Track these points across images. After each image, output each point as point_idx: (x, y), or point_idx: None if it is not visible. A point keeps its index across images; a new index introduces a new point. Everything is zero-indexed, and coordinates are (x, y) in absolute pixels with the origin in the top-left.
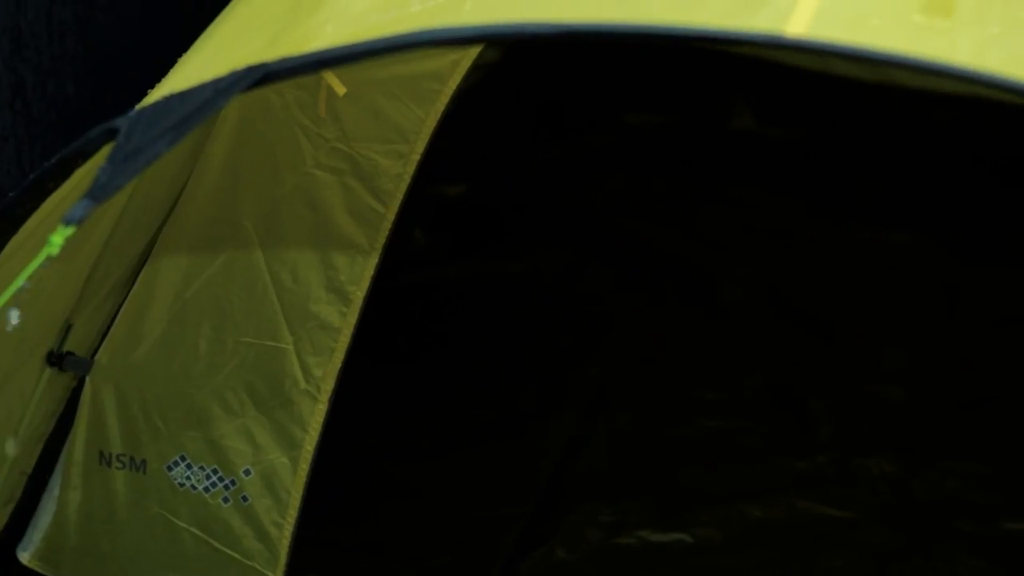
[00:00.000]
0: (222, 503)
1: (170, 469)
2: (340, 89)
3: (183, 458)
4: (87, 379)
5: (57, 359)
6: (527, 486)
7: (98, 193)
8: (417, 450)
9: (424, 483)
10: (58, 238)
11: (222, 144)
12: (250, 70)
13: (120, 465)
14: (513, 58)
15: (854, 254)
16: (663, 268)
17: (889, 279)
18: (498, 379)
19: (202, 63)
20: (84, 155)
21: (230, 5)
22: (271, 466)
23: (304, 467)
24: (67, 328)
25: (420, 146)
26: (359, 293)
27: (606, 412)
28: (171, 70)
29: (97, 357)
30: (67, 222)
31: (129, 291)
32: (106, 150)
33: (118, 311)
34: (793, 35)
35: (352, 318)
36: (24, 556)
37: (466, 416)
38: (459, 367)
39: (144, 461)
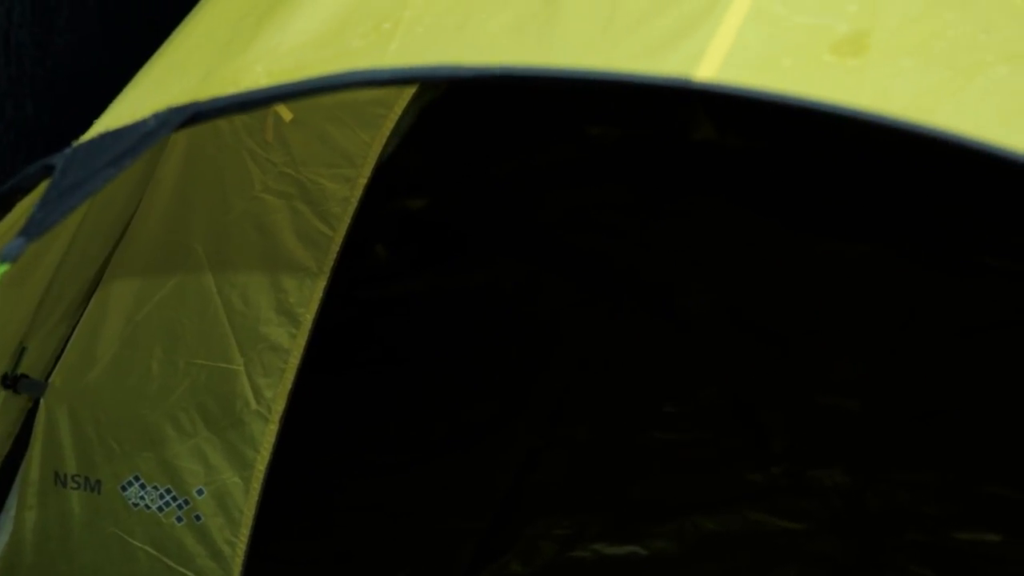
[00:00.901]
0: (176, 522)
1: (124, 489)
2: (287, 115)
3: (137, 478)
4: (41, 401)
5: (11, 382)
6: (484, 499)
7: (33, 230)
8: (374, 464)
9: (381, 497)
10: None
11: (172, 169)
12: (180, 110)
13: (75, 485)
14: None
15: (812, 266)
16: (621, 280)
17: (846, 291)
18: (456, 392)
19: (138, 99)
20: (22, 191)
21: (172, 35)
22: (224, 486)
23: (256, 486)
24: (21, 351)
25: (366, 170)
26: (308, 315)
27: (563, 425)
28: (113, 102)
29: (51, 379)
30: (1, 259)
31: (82, 314)
32: (44, 186)
33: (71, 334)
34: (701, 79)
35: (302, 340)
36: None
37: (423, 430)
38: (417, 381)
39: (99, 481)
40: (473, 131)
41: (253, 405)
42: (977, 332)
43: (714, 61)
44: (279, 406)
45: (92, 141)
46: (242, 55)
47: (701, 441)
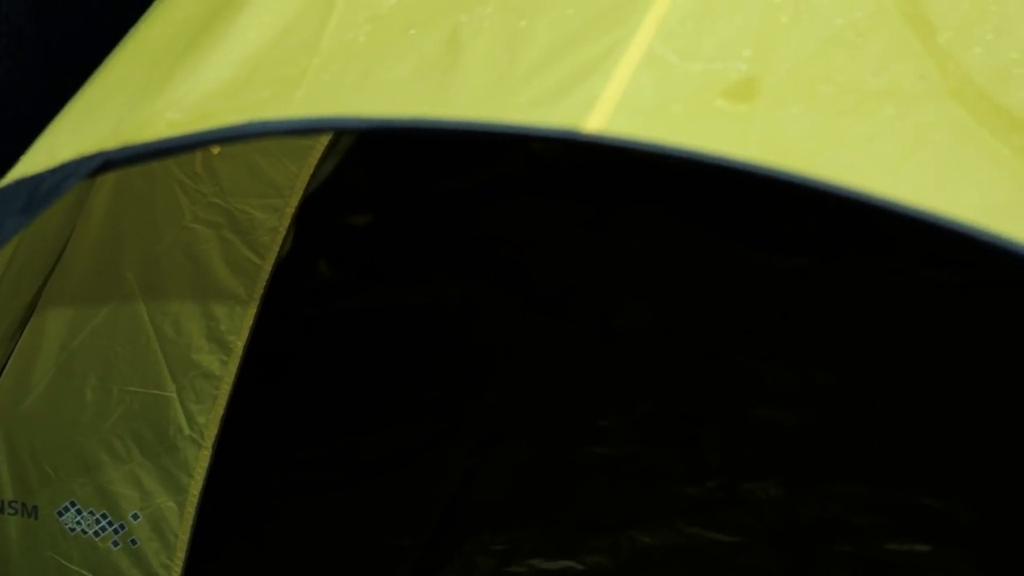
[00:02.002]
0: (112, 547)
1: (61, 515)
2: (215, 147)
3: (73, 504)
4: None
5: None
6: (422, 516)
7: None
8: (311, 482)
9: (318, 515)
10: None
11: (103, 199)
12: (91, 159)
13: (12, 511)
14: None
15: (748, 279)
16: (562, 296)
17: (782, 304)
18: (395, 410)
19: (53, 144)
20: None
21: (91, 77)
22: (159, 510)
23: (190, 510)
24: None
25: (294, 200)
26: (239, 342)
27: (500, 441)
28: (31, 146)
29: None
30: None
31: (16, 343)
32: None
33: (6, 363)
34: (589, 131)
35: (233, 366)
36: None
37: (361, 447)
38: (356, 397)
39: (35, 507)
40: (416, 146)
41: (186, 431)
42: (911, 345)
43: (605, 110)
44: (212, 432)
45: (5, 188)
46: (153, 102)
47: (637, 455)
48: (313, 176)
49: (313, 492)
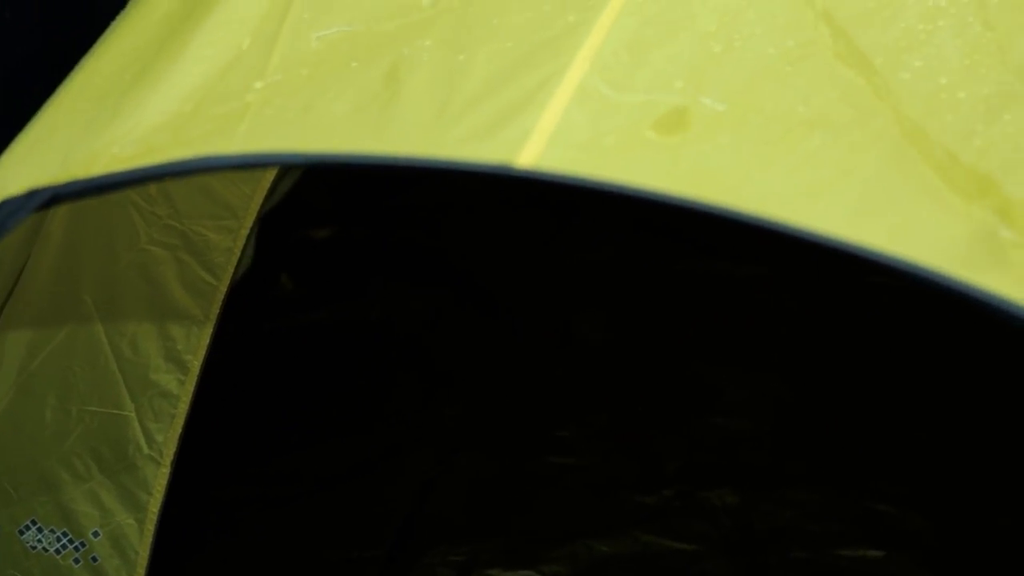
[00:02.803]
0: (73, 564)
1: (22, 533)
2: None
3: (34, 522)
4: None
5: None
6: (381, 528)
7: None
8: (270, 496)
9: (277, 529)
10: None
11: (59, 223)
12: (39, 192)
13: None
14: None
15: (704, 288)
16: (521, 307)
17: (736, 313)
18: (355, 422)
19: (2, 177)
20: None
21: (41, 108)
22: (119, 527)
23: (150, 527)
24: None
25: (248, 221)
26: (196, 362)
27: (459, 452)
28: None
29: None
30: None
31: None
32: None
33: None
34: (521, 166)
35: (190, 385)
36: None
37: (321, 460)
38: (316, 411)
39: None
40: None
41: (145, 450)
42: (864, 353)
43: (537, 145)
44: (170, 450)
45: None
46: (100, 136)
47: (595, 465)
48: (274, 190)
49: (273, 506)
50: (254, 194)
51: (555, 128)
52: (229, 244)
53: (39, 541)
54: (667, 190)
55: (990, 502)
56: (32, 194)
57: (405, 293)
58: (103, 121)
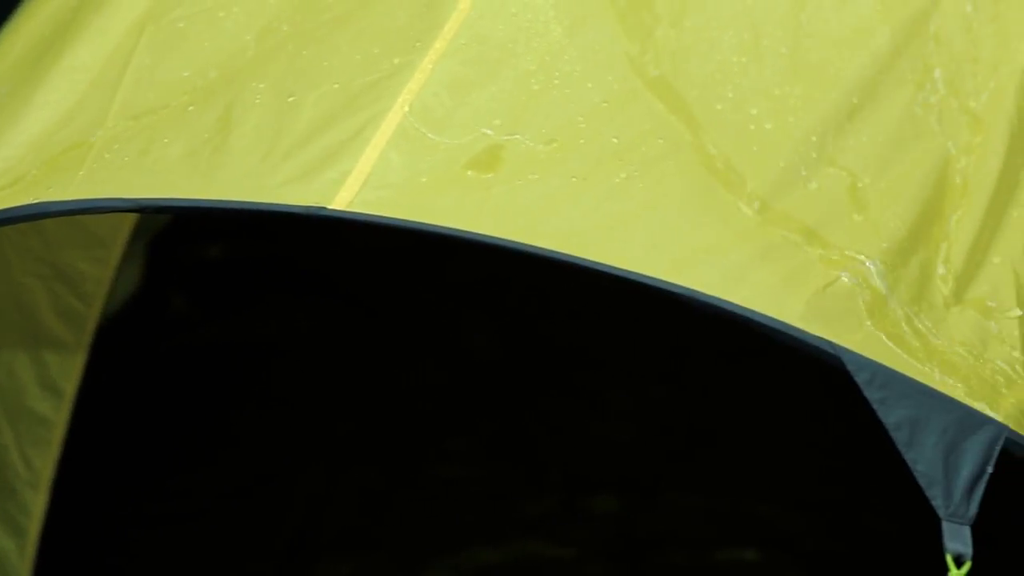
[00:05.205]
0: None
1: None
2: None
3: None
4: None
5: None
6: (271, 544)
7: None
8: (158, 514)
9: (165, 547)
10: None
11: None
12: None
13: None
14: None
15: (588, 299)
16: (410, 321)
17: (621, 323)
18: (245, 439)
19: None
20: None
21: None
22: (1, 551)
23: (31, 551)
24: None
25: (117, 251)
26: (70, 388)
27: (349, 467)
28: None
29: None
30: None
31: None
32: None
33: None
34: (334, 208)
35: (65, 411)
36: None
37: (213, 479)
38: (206, 429)
39: None
40: None
41: (24, 475)
42: (743, 356)
43: (353, 187)
44: (48, 475)
45: None
46: None
47: (481, 474)
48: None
49: (165, 524)
50: (122, 224)
51: (372, 169)
52: (99, 274)
53: None
54: (468, 229)
55: (867, 504)
56: None
57: (295, 310)
58: None
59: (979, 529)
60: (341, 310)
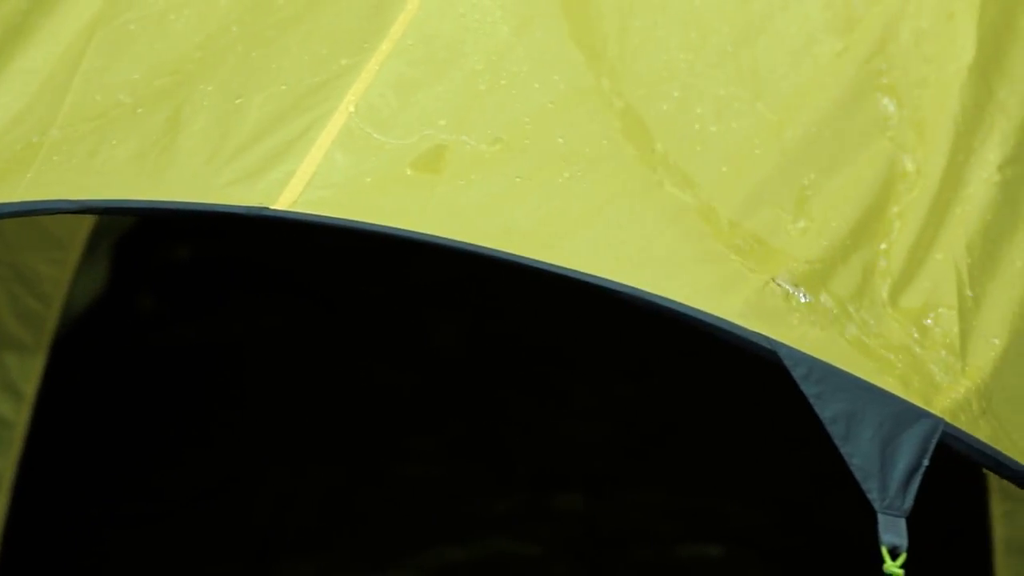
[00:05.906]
0: None
1: None
2: None
3: None
4: None
5: None
6: (238, 543)
7: None
8: (126, 515)
9: (133, 548)
10: None
11: None
12: None
13: None
14: None
15: (555, 298)
16: (376, 318)
17: (586, 322)
18: (210, 440)
19: None
20: None
21: None
22: None
23: None
24: None
25: (75, 253)
26: (30, 388)
27: (314, 464)
28: None
29: None
30: None
31: None
32: None
33: None
34: (277, 208)
35: (25, 412)
36: None
37: (181, 479)
38: (173, 430)
39: None
40: None
41: None
42: (706, 357)
43: (296, 187)
44: (8, 475)
45: None
46: None
47: (447, 473)
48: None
49: (133, 524)
50: (80, 226)
51: (316, 170)
52: (57, 275)
53: None
54: (412, 228)
55: (829, 500)
56: None
57: (262, 310)
58: None
59: (914, 522)
60: (308, 310)
